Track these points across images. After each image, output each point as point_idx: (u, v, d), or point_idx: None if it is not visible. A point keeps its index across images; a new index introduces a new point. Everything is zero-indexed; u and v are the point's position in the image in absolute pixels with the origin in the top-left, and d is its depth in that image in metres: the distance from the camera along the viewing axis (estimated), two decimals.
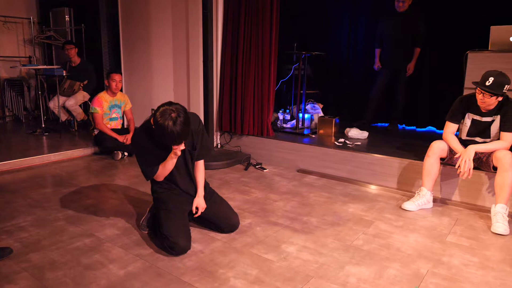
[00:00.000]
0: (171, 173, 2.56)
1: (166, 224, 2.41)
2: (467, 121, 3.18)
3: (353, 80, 5.89)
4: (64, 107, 5.75)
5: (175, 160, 2.46)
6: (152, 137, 2.41)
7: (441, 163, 3.27)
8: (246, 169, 4.30)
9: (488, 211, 3.00)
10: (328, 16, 5.98)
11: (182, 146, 2.36)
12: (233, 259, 2.34)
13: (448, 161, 3.29)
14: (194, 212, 2.60)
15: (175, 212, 2.49)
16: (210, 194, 2.75)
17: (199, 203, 2.62)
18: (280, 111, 5.28)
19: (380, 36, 5.22)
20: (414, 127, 5.50)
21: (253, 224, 2.84)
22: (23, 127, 6.17)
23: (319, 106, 5.43)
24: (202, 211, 2.62)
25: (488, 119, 3.08)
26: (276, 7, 4.39)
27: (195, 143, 2.59)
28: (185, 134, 2.27)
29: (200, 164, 2.70)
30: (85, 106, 6.03)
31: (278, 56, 4.57)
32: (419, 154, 3.59)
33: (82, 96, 5.79)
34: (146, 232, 2.67)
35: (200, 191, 2.66)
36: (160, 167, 2.49)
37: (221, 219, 2.66)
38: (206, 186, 2.77)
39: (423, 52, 5.08)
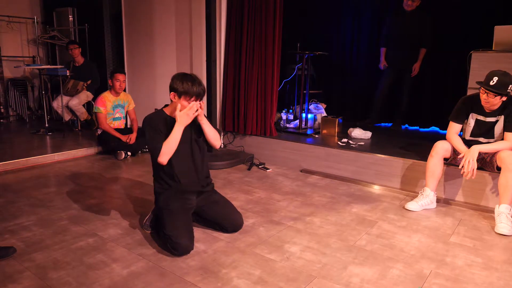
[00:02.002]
0: (174, 167, 2.53)
1: (169, 225, 2.41)
2: (471, 121, 3.17)
3: (357, 80, 5.88)
4: (67, 106, 5.77)
5: (181, 130, 2.44)
6: (164, 120, 2.51)
7: (444, 163, 3.26)
8: (249, 169, 4.30)
9: (492, 211, 2.99)
10: (332, 16, 5.97)
11: (198, 107, 2.42)
12: (236, 259, 2.34)
13: (452, 161, 3.28)
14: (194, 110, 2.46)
15: (178, 213, 2.49)
16: (213, 193, 2.75)
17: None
18: (283, 111, 5.27)
19: (387, 35, 5.21)
20: (417, 127, 5.48)
21: (256, 224, 2.84)
22: (27, 127, 6.19)
23: (322, 106, 5.43)
24: (201, 108, 2.49)
25: (492, 119, 3.07)
26: (280, 7, 4.38)
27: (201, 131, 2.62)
28: (203, 86, 2.47)
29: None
30: (89, 106, 6.04)
31: (281, 56, 4.56)
32: (423, 154, 3.58)
33: (85, 95, 5.81)
34: (149, 232, 2.67)
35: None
36: (167, 140, 2.44)
37: (224, 219, 2.66)
38: (209, 184, 2.76)
39: (427, 52, 5.06)
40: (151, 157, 2.60)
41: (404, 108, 5.29)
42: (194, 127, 2.58)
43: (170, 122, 2.52)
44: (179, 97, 2.44)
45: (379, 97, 5.34)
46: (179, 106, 2.44)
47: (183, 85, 2.41)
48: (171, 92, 2.48)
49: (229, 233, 2.67)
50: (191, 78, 2.44)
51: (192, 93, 2.42)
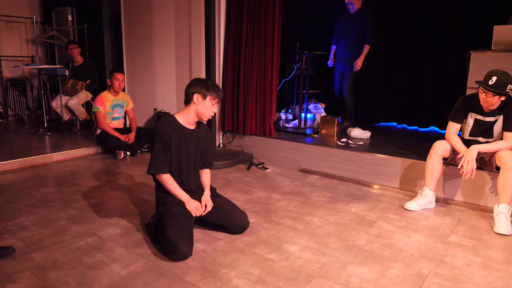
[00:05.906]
0: (182, 172, 2.60)
1: (170, 227, 2.38)
2: (470, 121, 3.17)
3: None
4: (66, 106, 5.77)
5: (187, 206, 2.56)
6: (177, 128, 2.53)
7: (443, 163, 3.26)
8: (248, 168, 4.30)
9: (491, 211, 2.99)
10: (331, 16, 5.96)
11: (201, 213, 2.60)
12: (236, 259, 2.34)
13: (451, 161, 3.28)
14: (201, 211, 2.60)
15: (180, 217, 2.46)
16: (215, 196, 2.75)
17: (207, 200, 2.64)
18: (283, 111, 5.27)
19: (335, 34, 5.34)
20: (416, 127, 5.49)
21: (256, 224, 2.84)
22: (26, 127, 6.19)
23: (321, 106, 5.43)
24: (210, 209, 2.62)
25: (491, 119, 3.07)
26: (279, 7, 4.38)
27: (206, 146, 2.70)
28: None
29: (207, 170, 2.79)
30: (88, 106, 6.04)
31: (280, 56, 4.56)
32: (422, 154, 3.59)
33: (84, 95, 5.81)
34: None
35: (207, 191, 2.70)
36: (172, 182, 2.55)
37: (230, 222, 2.65)
38: (210, 187, 2.78)
39: (426, 52, 5.07)
40: None
41: (349, 106, 5.31)
42: (206, 141, 2.68)
43: (182, 131, 2.55)
44: (204, 98, 2.50)
45: (338, 96, 5.42)
46: None
47: (209, 88, 2.51)
48: (194, 94, 2.49)
49: (235, 234, 2.66)
50: (212, 83, 2.57)
51: (219, 96, 2.55)
